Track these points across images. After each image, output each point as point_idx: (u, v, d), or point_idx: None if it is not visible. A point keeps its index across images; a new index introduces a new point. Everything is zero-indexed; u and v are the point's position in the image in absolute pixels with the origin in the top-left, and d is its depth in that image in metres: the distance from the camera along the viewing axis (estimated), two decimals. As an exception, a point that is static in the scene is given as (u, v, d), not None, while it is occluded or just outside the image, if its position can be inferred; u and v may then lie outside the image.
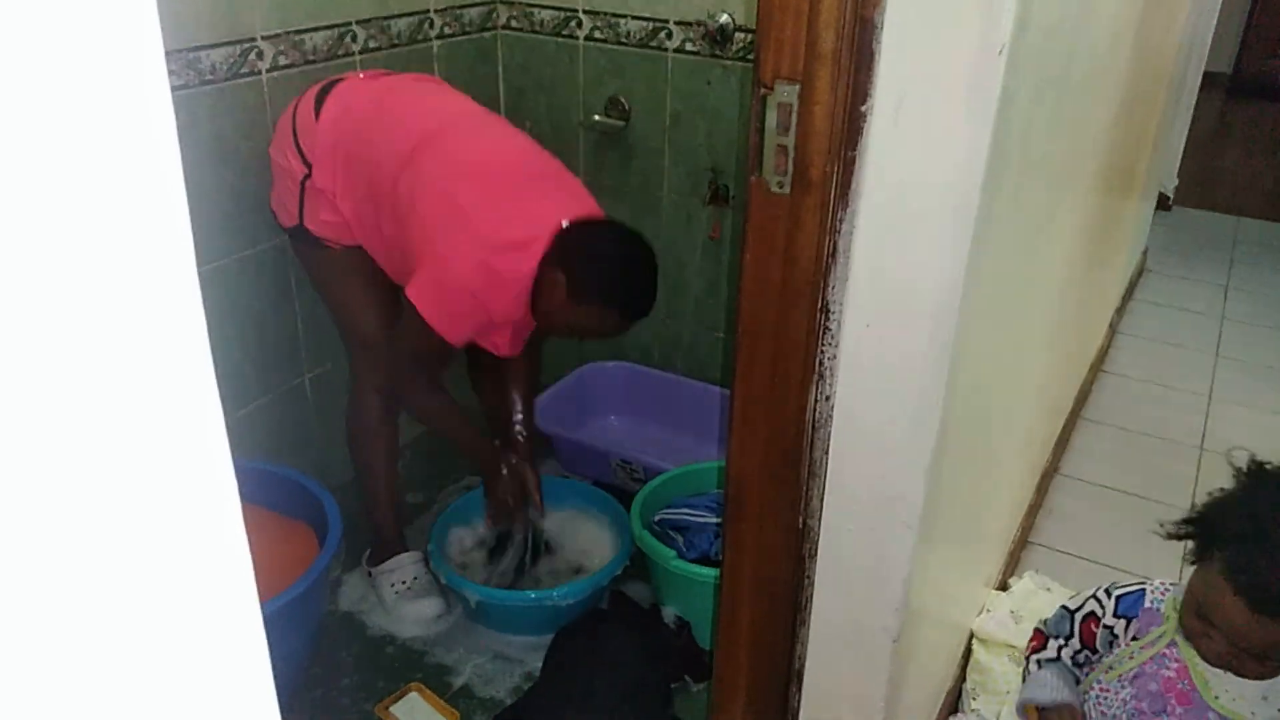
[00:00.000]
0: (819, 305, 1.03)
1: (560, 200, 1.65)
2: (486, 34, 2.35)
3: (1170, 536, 1.32)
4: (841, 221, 0.99)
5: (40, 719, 0.28)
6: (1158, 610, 1.40)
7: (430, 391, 1.79)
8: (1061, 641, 1.52)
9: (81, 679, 0.29)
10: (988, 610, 1.81)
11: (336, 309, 1.86)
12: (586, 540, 2.07)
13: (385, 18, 2.04)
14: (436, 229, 1.59)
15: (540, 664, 1.78)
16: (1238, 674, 1.28)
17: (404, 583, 1.91)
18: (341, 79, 1.75)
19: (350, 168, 1.68)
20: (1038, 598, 1.88)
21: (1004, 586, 1.95)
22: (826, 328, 1.05)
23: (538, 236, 1.60)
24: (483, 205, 1.58)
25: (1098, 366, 2.95)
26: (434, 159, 1.62)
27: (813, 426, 1.10)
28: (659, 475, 2.09)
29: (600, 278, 1.60)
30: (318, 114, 1.69)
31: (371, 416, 1.88)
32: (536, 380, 2.08)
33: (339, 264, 1.78)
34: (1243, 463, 1.32)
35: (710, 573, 1.79)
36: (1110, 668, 1.42)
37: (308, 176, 1.69)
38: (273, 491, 1.80)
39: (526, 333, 1.80)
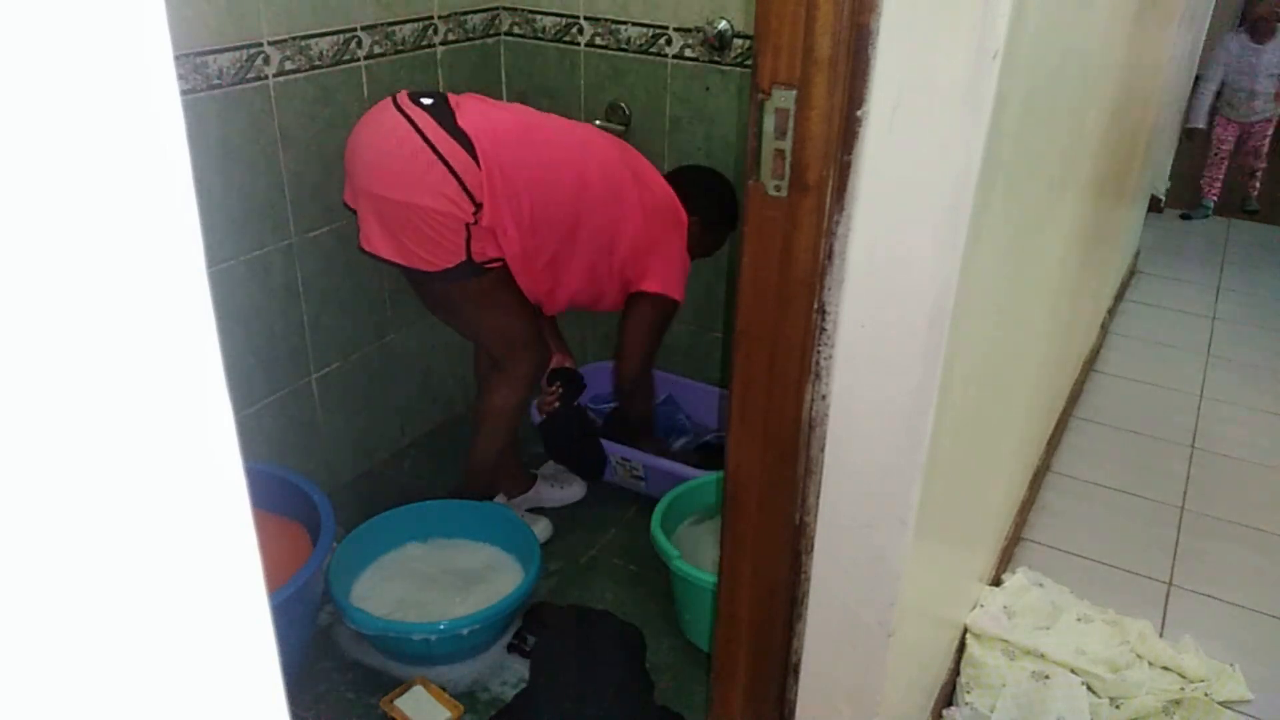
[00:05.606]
0: (815, 306, 1.05)
1: (651, 171, 2.11)
2: (489, 40, 2.38)
3: None
4: (838, 224, 1.01)
5: (58, 713, 0.29)
6: None
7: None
8: None
9: (91, 676, 0.29)
10: (981, 605, 1.84)
11: (499, 321, 1.99)
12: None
13: (390, 24, 2.06)
14: (646, 230, 2.01)
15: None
16: None
17: (555, 480, 2.31)
18: (452, 105, 1.82)
19: (519, 201, 1.84)
20: (1030, 593, 1.90)
21: (997, 582, 1.98)
22: (823, 328, 1.06)
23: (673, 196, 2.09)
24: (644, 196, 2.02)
25: (1090, 366, 2.98)
26: (603, 190, 1.95)
27: (809, 425, 1.12)
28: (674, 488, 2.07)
29: (724, 208, 2.17)
30: (475, 156, 1.77)
31: (523, 401, 2.11)
32: None
33: (500, 281, 1.92)
34: None
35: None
36: None
37: (477, 213, 1.79)
38: (264, 491, 1.81)
39: None
